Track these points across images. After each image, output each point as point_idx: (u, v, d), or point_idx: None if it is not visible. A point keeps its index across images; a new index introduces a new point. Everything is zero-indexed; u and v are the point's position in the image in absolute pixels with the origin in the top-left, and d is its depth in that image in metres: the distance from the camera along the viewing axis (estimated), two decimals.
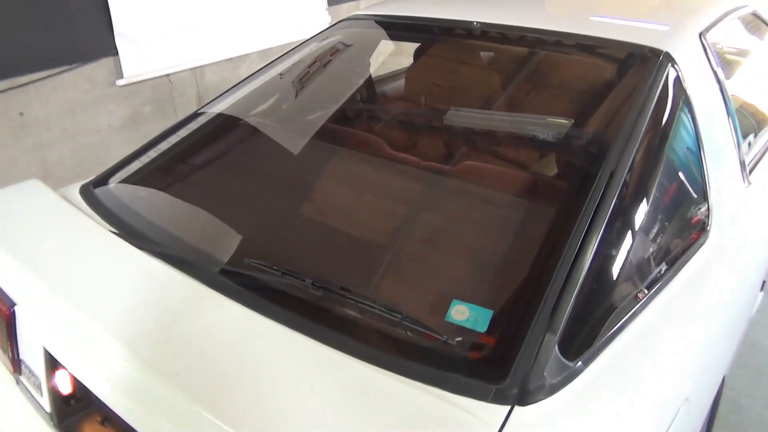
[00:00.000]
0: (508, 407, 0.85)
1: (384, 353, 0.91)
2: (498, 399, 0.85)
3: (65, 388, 1.22)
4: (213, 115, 1.69)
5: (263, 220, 1.38)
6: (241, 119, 1.74)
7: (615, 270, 1.08)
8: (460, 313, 0.99)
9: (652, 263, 1.17)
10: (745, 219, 1.52)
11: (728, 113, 1.60)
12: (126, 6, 3.34)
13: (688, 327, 1.13)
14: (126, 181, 1.53)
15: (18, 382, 1.36)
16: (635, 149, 1.18)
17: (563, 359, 0.92)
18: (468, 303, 1.01)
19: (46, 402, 1.24)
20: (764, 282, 1.72)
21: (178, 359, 0.92)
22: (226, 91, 1.81)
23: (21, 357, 1.29)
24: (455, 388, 0.86)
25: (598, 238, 1.03)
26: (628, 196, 1.15)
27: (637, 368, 1.00)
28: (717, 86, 1.58)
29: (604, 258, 1.06)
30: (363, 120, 2.00)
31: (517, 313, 0.98)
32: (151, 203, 1.44)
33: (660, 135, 1.27)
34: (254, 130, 1.71)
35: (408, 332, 0.96)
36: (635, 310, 1.06)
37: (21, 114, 3.10)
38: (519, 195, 1.32)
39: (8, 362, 1.34)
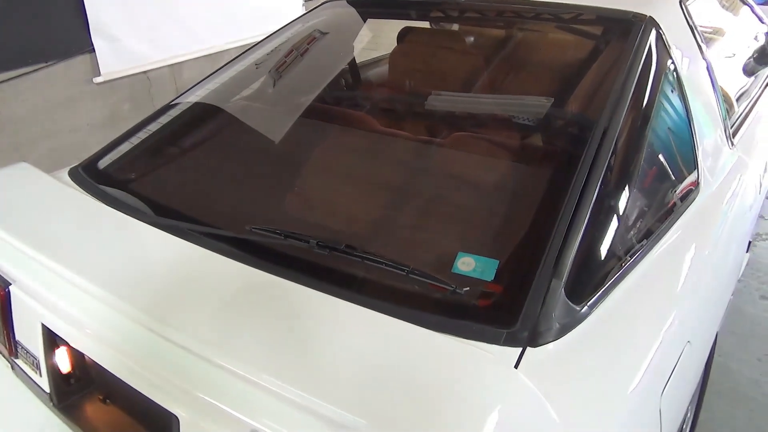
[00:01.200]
0: (520, 348, 0.86)
1: (395, 305, 0.91)
2: (510, 342, 0.87)
3: (65, 367, 1.20)
4: (197, 99, 1.68)
5: (258, 192, 1.37)
6: (227, 102, 1.73)
7: (615, 220, 1.10)
8: (466, 264, 1.00)
9: (649, 214, 1.19)
10: (730, 179, 1.56)
11: (711, 79, 1.64)
12: (101, 2, 3.29)
13: (686, 274, 1.15)
14: (115, 163, 1.51)
15: (13, 367, 1.33)
16: (626, 109, 1.20)
17: (570, 303, 0.93)
18: (473, 255, 1.01)
19: (45, 382, 1.22)
20: (749, 243, 1.76)
21: (183, 319, 0.91)
22: (207, 78, 1.80)
23: (17, 339, 1.26)
24: (468, 334, 0.87)
25: (596, 190, 1.05)
26: (621, 153, 1.17)
27: (641, 311, 1.02)
28: (699, 53, 1.62)
29: (603, 209, 1.07)
30: (345, 107, 2.00)
31: (523, 261, 0.99)
32: (144, 180, 1.43)
33: (650, 94, 1.30)
34: (242, 111, 1.70)
35: (416, 285, 0.97)
36: (636, 258, 1.08)
37: None
38: (516, 157, 1.33)
39: (4, 345, 1.31)
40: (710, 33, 1.95)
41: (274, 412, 0.78)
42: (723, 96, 1.69)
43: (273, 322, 0.89)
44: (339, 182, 1.39)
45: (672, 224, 1.21)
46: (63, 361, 1.20)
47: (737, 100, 1.91)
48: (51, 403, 1.22)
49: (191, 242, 1.09)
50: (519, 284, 0.95)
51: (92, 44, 3.35)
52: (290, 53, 1.96)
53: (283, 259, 1.04)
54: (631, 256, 1.08)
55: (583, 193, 1.03)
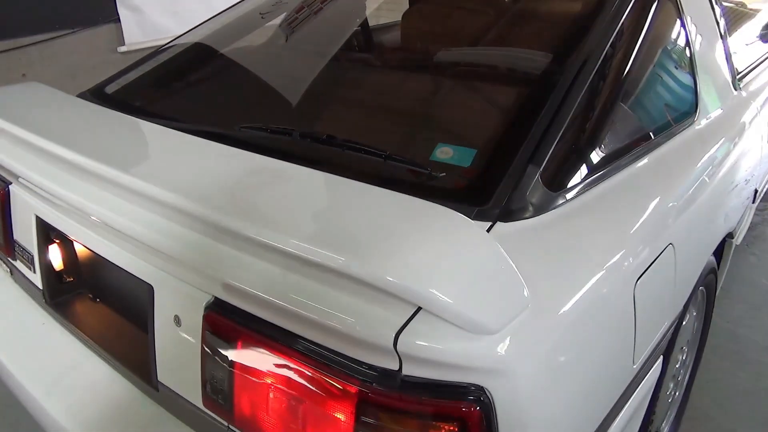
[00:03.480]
0: (490, 223, 0.86)
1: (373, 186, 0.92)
2: (480, 217, 0.87)
3: (57, 262, 1.24)
4: (199, 39, 1.72)
5: (263, 102, 1.40)
6: (230, 45, 1.76)
7: (603, 119, 1.09)
8: (444, 153, 1.00)
9: (641, 124, 1.18)
10: (731, 115, 1.53)
11: (717, 21, 1.61)
12: None
13: (674, 186, 1.14)
14: (122, 88, 1.55)
15: (12, 272, 1.37)
16: (625, 18, 1.17)
17: (546, 188, 0.93)
18: (453, 145, 1.02)
19: (38, 279, 1.25)
20: (756, 191, 1.73)
21: (169, 186, 0.92)
22: (209, 19, 1.83)
23: (15, 238, 1.30)
24: None
25: (585, 86, 1.04)
26: (620, 55, 1.16)
27: (620, 207, 1.01)
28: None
29: (592, 106, 1.07)
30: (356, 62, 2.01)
31: (503, 150, 0.99)
32: (145, 97, 1.47)
33: (653, 14, 1.27)
34: (245, 54, 1.72)
35: (394, 170, 0.97)
36: (623, 161, 1.07)
37: (23, 75, 3.14)
38: (506, 62, 1.34)
39: (2, 247, 1.35)
40: None
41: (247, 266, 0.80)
42: (730, 40, 1.66)
43: (257, 190, 0.91)
44: (339, 98, 1.41)
45: (665, 140, 1.20)
46: (55, 256, 1.23)
47: (749, 48, 1.87)
48: (43, 300, 1.26)
49: (185, 132, 1.11)
50: (496, 169, 0.95)
51: (118, 14, 3.45)
52: (302, 10, 1.99)
53: (267, 150, 1.05)
54: (617, 158, 1.07)
55: (571, 88, 1.03)
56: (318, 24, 1.95)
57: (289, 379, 0.77)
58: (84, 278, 1.25)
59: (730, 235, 1.59)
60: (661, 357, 1.18)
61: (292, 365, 0.77)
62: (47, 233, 1.21)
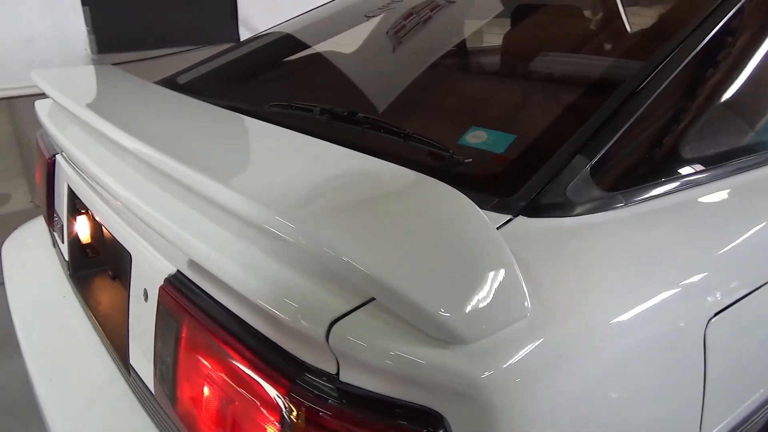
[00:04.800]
0: (509, 216, 0.68)
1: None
2: (499, 208, 0.69)
3: (83, 236, 1.21)
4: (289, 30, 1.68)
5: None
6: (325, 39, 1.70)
7: (696, 119, 0.86)
8: (477, 137, 0.84)
9: (745, 134, 0.93)
10: None
11: None
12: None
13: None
14: (198, 77, 1.55)
15: (55, 243, 1.37)
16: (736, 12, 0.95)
17: (596, 186, 0.73)
18: (489, 129, 0.85)
19: (65, 250, 1.23)
20: None
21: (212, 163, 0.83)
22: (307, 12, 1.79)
23: (55, 208, 1.30)
24: None
25: (671, 80, 0.82)
26: (719, 56, 0.93)
27: (705, 224, 0.78)
28: None
29: (680, 104, 0.85)
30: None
31: (546, 135, 0.81)
32: (216, 85, 1.44)
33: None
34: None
35: (416, 151, 0.83)
36: (714, 171, 0.84)
37: None
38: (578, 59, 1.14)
39: (45, 217, 1.36)
40: None
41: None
42: None
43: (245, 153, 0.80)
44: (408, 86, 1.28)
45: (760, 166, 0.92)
46: (82, 229, 1.20)
47: None
48: (68, 272, 1.23)
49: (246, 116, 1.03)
50: (532, 157, 0.77)
51: (239, 36, 3.62)
52: (409, 17, 1.89)
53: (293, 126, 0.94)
54: (707, 166, 0.84)
55: (652, 80, 0.82)
56: (424, 32, 1.84)
57: (225, 373, 0.63)
58: (106, 255, 1.21)
59: None
60: None
61: (231, 357, 0.63)
62: (75, 205, 1.19)
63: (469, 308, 0.51)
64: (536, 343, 0.55)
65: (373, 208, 0.60)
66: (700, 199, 0.80)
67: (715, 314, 0.71)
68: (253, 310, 0.61)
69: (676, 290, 0.69)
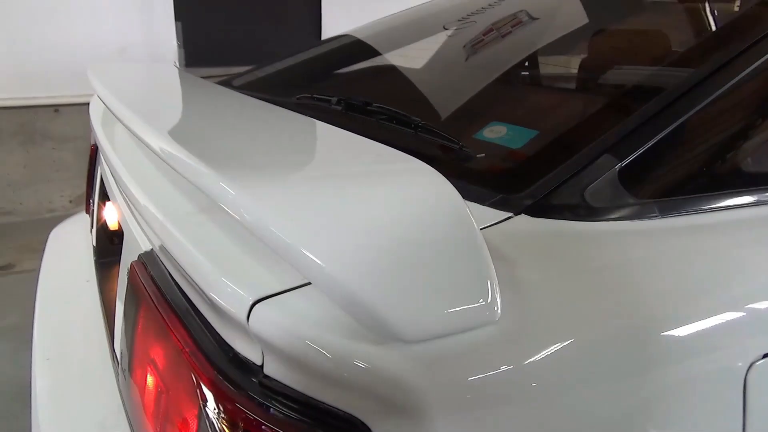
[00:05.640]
0: (509, 214, 0.58)
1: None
2: (498, 205, 0.59)
3: (111, 222, 1.20)
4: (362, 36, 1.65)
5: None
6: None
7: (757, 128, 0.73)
8: (495, 132, 0.75)
9: None
10: None
11: None
12: (337, 21, 3.63)
13: None
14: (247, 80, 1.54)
15: (90, 230, 1.39)
16: None
17: (625, 190, 0.61)
18: (510, 124, 0.75)
19: (94, 235, 1.23)
20: None
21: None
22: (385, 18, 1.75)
23: (92, 196, 1.32)
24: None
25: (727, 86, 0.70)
26: None
27: (737, 259, 0.63)
28: None
29: (736, 112, 0.72)
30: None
31: (573, 131, 0.70)
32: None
33: None
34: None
35: (427, 143, 0.75)
36: (762, 197, 0.69)
37: None
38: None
39: (85, 200, 1.38)
40: None
41: None
42: None
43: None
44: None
45: None
46: (108, 215, 1.20)
47: None
48: (94, 258, 1.23)
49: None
50: (552, 153, 0.67)
51: None
52: (489, 32, 1.80)
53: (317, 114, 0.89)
54: (762, 188, 0.70)
55: (706, 82, 0.70)
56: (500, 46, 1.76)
57: (164, 360, 0.57)
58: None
59: None
60: None
61: (171, 341, 0.56)
62: (105, 192, 1.19)
63: (415, 299, 0.42)
64: (505, 357, 0.45)
65: (336, 183, 0.52)
66: (756, 222, 0.66)
67: (764, 356, 0.57)
68: (199, 291, 0.54)
69: (715, 324, 0.56)
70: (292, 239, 0.43)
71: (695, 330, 0.55)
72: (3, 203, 3.05)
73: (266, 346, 0.44)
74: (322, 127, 0.73)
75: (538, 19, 1.68)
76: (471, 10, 1.66)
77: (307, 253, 0.42)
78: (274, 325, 0.43)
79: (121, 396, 0.80)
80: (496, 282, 0.45)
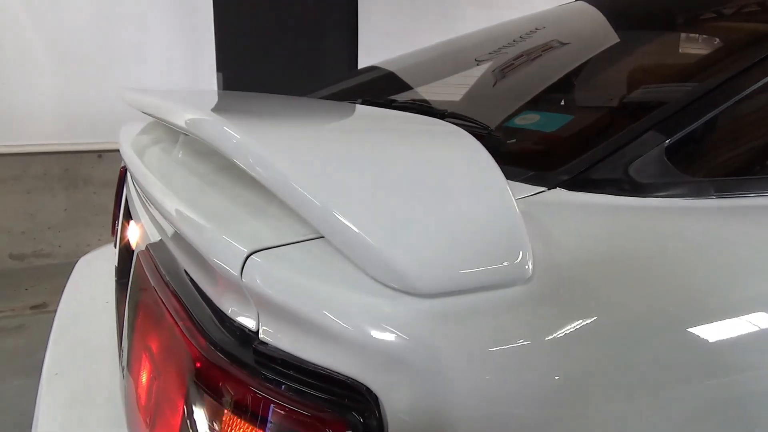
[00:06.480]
0: (543, 188, 0.52)
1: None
2: (531, 181, 0.54)
3: (133, 242, 1.18)
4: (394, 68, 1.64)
5: None
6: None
7: None
8: (528, 119, 0.70)
9: None
10: None
11: None
12: (373, 51, 3.70)
13: None
14: None
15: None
16: None
17: (672, 166, 0.55)
18: (545, 112, 0.70)
19: (116, 255, 1.21)
20: None
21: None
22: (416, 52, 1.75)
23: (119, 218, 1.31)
24: None
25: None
26: None
27: None
28: None
29: None
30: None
31: (617, 111, 0.65)
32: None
33: None
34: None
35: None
36: None
37: None
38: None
39: (112, 222, 1.37)
40: None
41: None
42: None
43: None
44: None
45: None
46: (131, 235, 1.18)
47: None
48: (115, 278, 1.21)
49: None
50: (591, 132, 0.62)
51: None
52: (520, 57, 1.77)
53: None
54: None
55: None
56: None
57: (156, 338, 0.52)
58: None
59: None
60: None
61: (167, 322, 0.51)
62: (128, 212, 1.18)
63: (434, 248, 0.36)
64: (532, 322, 0.38)
65: (372, 140, 0.48)
66: None
67: None
68: (196, 256, 0.49)
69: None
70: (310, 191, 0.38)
71: (746, 320, 0.47)
72: (43, 245, 3.10)
73: (261, 303, 0.39)
74: (364, 108, 0.70)
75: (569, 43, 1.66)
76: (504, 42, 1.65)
77: (326, 201, 0.37)
78: (271, 278, 0.38)
79: (124, 402, 0.75)
80: (527, 240, 0.39)
